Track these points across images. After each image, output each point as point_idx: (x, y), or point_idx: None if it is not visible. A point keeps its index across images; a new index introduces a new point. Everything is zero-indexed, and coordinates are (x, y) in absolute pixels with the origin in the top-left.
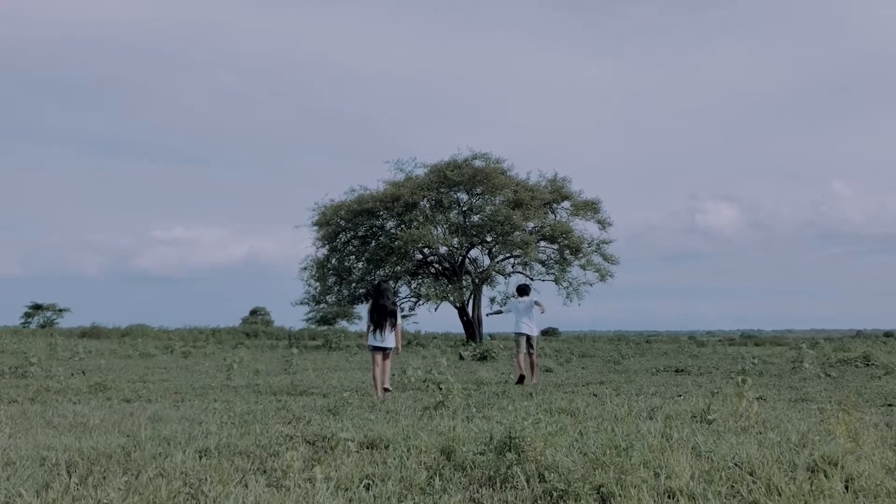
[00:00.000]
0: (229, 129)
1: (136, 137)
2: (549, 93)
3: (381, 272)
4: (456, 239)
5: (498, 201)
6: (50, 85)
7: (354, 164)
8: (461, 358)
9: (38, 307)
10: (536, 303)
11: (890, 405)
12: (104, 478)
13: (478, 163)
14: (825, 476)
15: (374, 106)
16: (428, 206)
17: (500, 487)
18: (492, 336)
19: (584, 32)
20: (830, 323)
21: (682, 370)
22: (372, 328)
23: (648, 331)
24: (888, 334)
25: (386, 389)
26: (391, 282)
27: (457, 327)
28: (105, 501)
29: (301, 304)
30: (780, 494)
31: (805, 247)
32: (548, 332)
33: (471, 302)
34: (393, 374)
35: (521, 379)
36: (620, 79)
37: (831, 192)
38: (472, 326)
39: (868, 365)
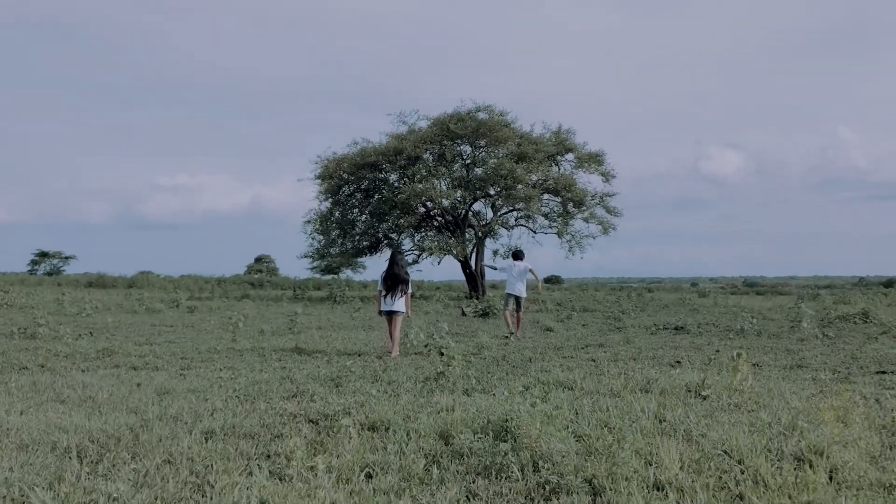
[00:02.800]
0: (231, 76)
1: (139, 83)
2: (552, 41)
3: (384, 225)
4: (459, 192)
5: (501, 154)
6: (54, 30)
7: (359, 112)
8: (463, 314)
9: (44, 255)
10: (531, 271)
11: (883, 372)
12: (114, 465)
13: (481, 115)
14: (811, 467)
15: (381, 54)
16: (431, 159)
17: (496, 478)
18: (494, 286)
19: None
20: (833, 269)
21: (681, 328)
22: (383, 293)
23: (652, 277)
24: (889, 283)
25: (389, 352)
26: (402, 248)
27: (460, 275)
28: (115, 496)
29: (305, 257)
30: (766, 487)
31: (810, 193)
32: (550, 280)
33: (474, 255)
34: (402, 339)
35: (510, 334)
36: (626, 24)
37: (837, 137)
38: (474, 280)
39: (866, 322)
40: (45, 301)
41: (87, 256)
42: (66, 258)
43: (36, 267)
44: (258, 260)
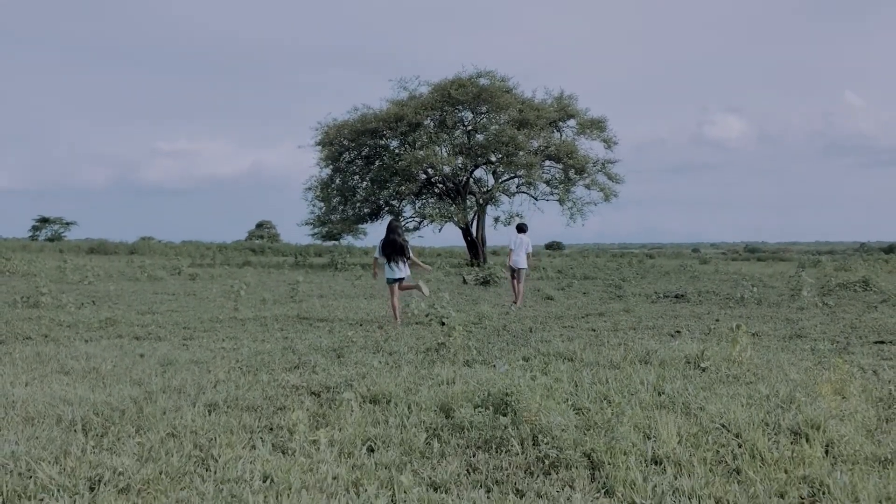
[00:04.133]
0: (230, 39)
1: (136, 46)
2: (555, 5)
3: (385, 193)
4: (460, 159)
5: (503, 120)
6: None
7: (359, 77)
8: (464, 282)
9: (45, 220)
10: (528, 255)
11: (882, 342)
12: (118, 439)
13: (483, 81)
14: (807, 441)
15: (382, 17)
16: (432, 125)
17: (497, 452)
18: (496, 253)
19: None
20: (835, 235)
21: (682, 296)
22: (386, 262)
23: (653, 243)
24: (890, 249)
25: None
26: (401, 219)
27: (461, 242)
28: (121, 470)
29: (306, 224)
30: (762, 461)
31: (813, 158)
32: (552, 247)
33: (475, 223)
34: (403, 308)
35: (516, 299)
36: None
37: (842, 102)
38: (475, 247)
39: (866, 289)
40: (47, 268)
41: (87, 222)
42: (67, 224)
43: (37, 233)
44: (259, 226)
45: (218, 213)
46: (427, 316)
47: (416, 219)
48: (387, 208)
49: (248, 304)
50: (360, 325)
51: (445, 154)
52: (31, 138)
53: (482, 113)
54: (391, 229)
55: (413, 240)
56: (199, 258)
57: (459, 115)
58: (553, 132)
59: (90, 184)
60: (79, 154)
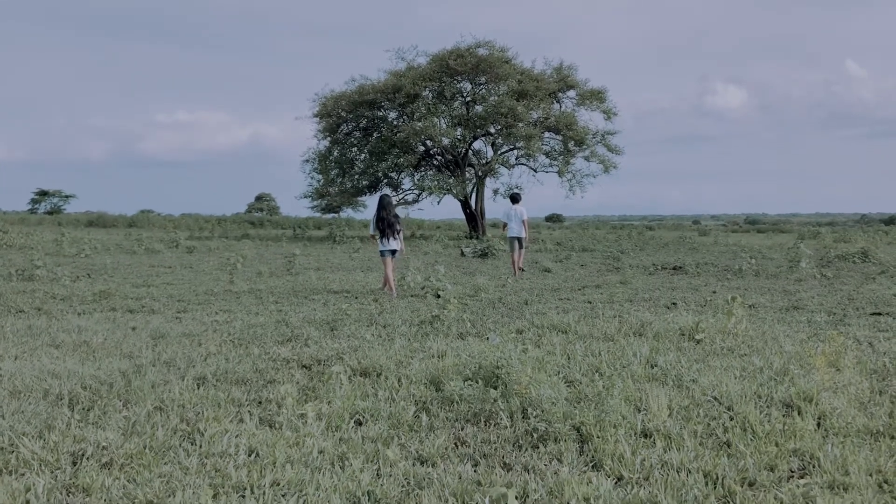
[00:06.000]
0: (227, 9)
1: (134, 17)
2: None
3: (383, 165)
4: (459, 131)
5: (502, 91)
6: None
7: (357, 47)
8: (462, 254)
9: (44, 193)
10: (524, 222)
11: (878, 314)
12: (105, 413)
13: (481, 51)
14: (799, 413)
15: None
16: (430, 96)
17: (485, 425)
18: (495, 226)
19: None
20: (836, 206)
21: (680, 268)
22: (379, 236)
23: (654, 215)
24: (891, 220)
25: (388, 291)
26: (392, 194)
27: (461, 215)
28: (104, 444)
29: (304, 197)
30: (754, 434)
31: (815, 129)
32: (552, 219)
33: (474, 195)
34: (399, 280)
35: (514, 272)
36: None
37: (844, 72)
38: (474, 219)
39: (865, 261)
40: (44, 241)
41: (87, 194)
42: (67, 197)
43: (36, 206)
44: (259, 198)
45: (218, 186)
46: (423, 289)
47: (414, 191)
48: (385, 181)
49: (243, 277)
50: (356, 297)
51: (444, 126)
52: (28, 109)
53: (481, 84)
54: (382, 206)
55: (413, 213)
56: (198, 231)
57: (458, 86)
58: (552, 103)
59: (89, 156)
60: (78, 126)
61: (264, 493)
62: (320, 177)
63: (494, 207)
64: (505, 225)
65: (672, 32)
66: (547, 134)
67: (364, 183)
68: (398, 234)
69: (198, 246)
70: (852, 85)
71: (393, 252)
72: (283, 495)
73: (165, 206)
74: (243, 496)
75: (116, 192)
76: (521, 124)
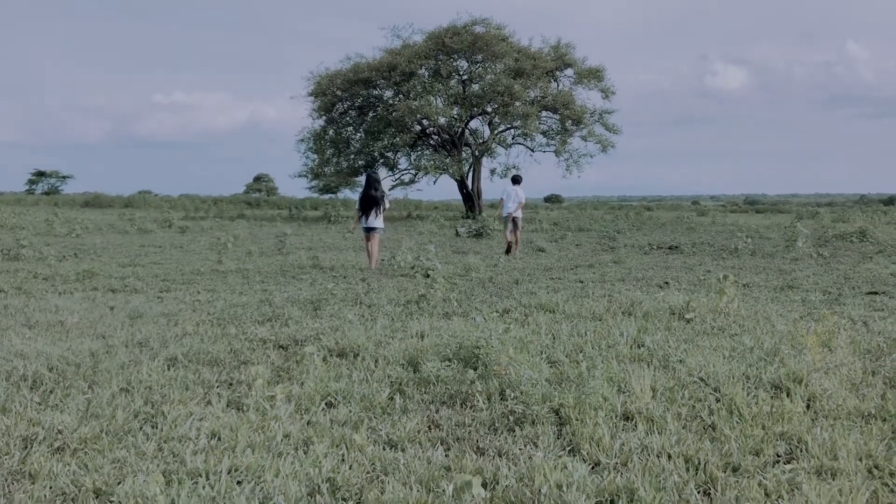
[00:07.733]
0: None
1: None
2: None
3: (379, 144)
4: (455, 109)
5: (499, 70)
6: None
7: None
8: (457, 234)
9: (41, 174)
10: (521, 205)
11: (874, 293)
12: (67, 395)
13: (478, 29)
14: (788, 395)
15: None
16: (426, 75)
17: (461, 407)
18: (493, 206)
19: None
20: (835, 187)
21: (675, 248)
22: (362, 214)
23: (653, 196)
24: (890, 200)
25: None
26: (379, 172)
27: (458, 195)
28: (60, 428)
29: (299, 176)
30: (740, 417)
31: (815, 110)
32: (551, 199)
33: (470, 174)
34: (382, 259)
35: (508, 249)
36: None
37: (846, 52)
38: (471, 199)
39: (863, 240)
40: (35, 221)
41: (85, 175)
42: (64, 178)
43: (34, 187)
44: (257, 179)
45: (217, 167)
46: (412, 268)
47: (411, 171)
48: (381, 160)
49: (233, 256)
50: (344, 277)
51: (440, 104)
52: (23, 89)
53: (477, 62)
54: (369, 184)
55: (410, 193)
56: (194, 211)
57: (454, 64)
58: (550, 82)
59: (86, 137)
60: (73, 106)
61: (220, 479)
62: (315, 156)
63: (491, 187)
64: (502, 201)
65: (672, 11)
66: (544, 113)
67: (360, 162)
68: (381, 212)
69: (191, 226)
70: (853, 65)
71: (374, 229)
72: (238, 482)
73: (164, 188)
74: (196, 483)
75: (115, 174)
76: (517, 103)
